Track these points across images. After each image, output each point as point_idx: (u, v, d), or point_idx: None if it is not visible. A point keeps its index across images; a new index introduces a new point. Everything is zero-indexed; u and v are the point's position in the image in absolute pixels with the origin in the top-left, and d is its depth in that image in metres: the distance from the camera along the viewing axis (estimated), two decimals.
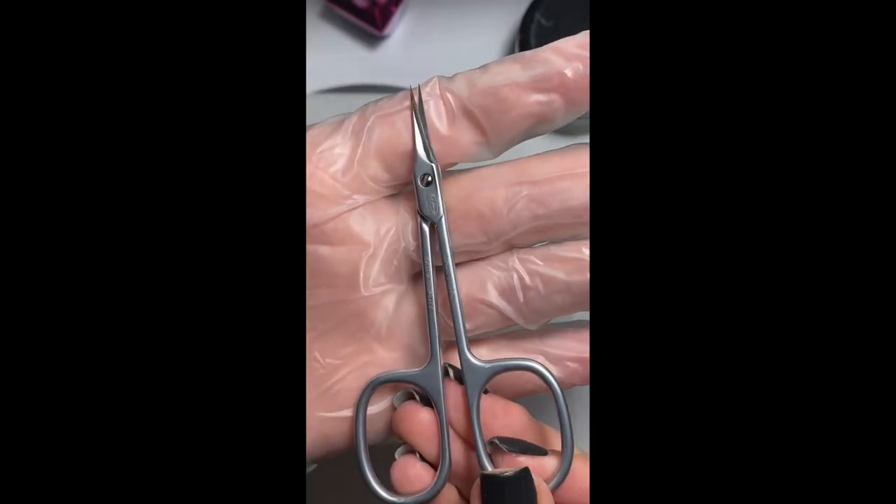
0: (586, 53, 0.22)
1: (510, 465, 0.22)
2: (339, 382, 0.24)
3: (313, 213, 0.23)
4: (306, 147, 0.23)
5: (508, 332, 0.25)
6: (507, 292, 0.23)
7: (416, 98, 0.23)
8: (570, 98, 0.22)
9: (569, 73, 0.21)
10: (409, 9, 0.45)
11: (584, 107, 0.22)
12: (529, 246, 0.24)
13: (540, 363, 0.23)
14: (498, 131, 0.22)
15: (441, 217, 0.23)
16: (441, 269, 0.24)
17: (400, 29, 0.45)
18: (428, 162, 0.23)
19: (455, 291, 0.23)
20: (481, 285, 0.24)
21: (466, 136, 0.23)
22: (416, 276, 0.25)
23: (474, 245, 0.23)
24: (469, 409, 0.23)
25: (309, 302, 0.24)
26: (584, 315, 0.25)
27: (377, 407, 0.24)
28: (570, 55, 0.22)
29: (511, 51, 0.42)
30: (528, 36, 0.40)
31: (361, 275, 0.23)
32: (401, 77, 0.44)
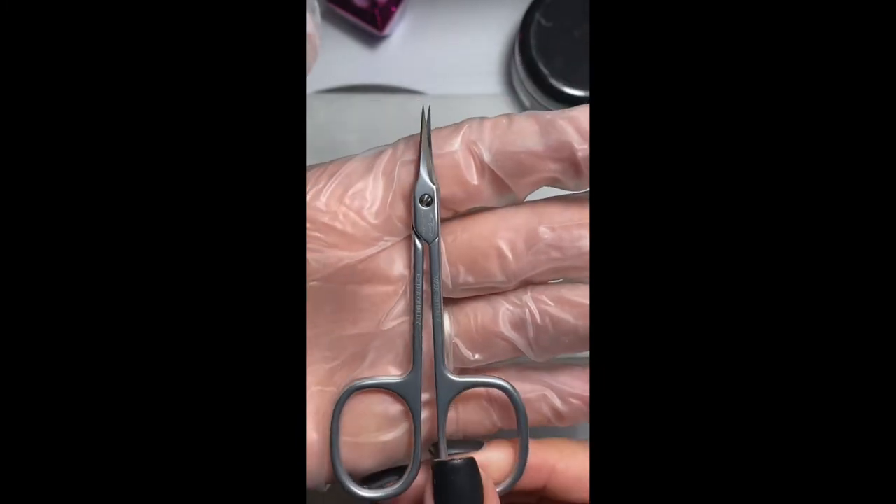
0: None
1: None
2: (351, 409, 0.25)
3: (346, 254, 0.24)
4: (337, 187, 0.24)
5: (520, 362, 0.26)
6: (518, 326, 0.25)
7: (425, 116, 0.24)
8: (581, 173, 0.23)
9: (580, 152, 0.23)
10: (409, 9, 0.45)
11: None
12: (545, 283, 0.25)
13: (505, 381, 0.25)
14: (518, 189, 0.24)
15: (437, 239, 0.24)
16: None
17: (400, 29, 0.45)
18: (430, 184, 0.24)
19: (440, 311, 0.24)
20: (495, 318, 0.25)
21: (491, 188, 0.24)
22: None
23: (493, 283, 0.25)
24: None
25: (332, 335, 0.25)
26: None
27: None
28: (584, 133, 0.22)
29: (511, 51, 0.42)
30: (528, 36, 0.40)
31: (386, 310, 0.24)
32: (401, 77, 0.44)
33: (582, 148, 0.22)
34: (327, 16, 0.45)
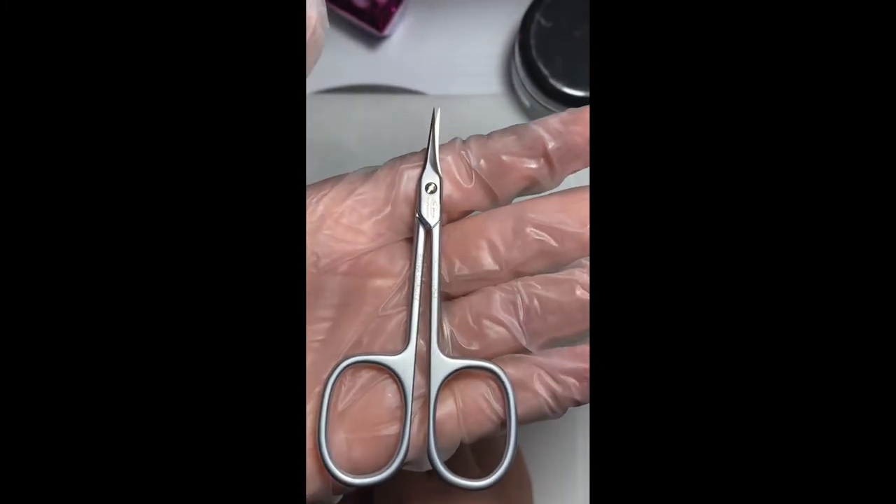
0: (567, 129, 0.26)
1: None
2: (352, 405, 0.26)
3: (350, 247, 0.26)
4: (341, 190, 0.26)
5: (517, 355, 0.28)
6: (509, 310, 0.27)
7: (436, 117, 0.27)
8: (553, 166, 0.26)
9: (550, 145, 0.26)
10: (409, 9, 0.45)
11: (564, 174, 0.27)
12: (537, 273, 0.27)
13: (498, 366, 0.26)
14: (501, 191, 0.27)
15: (437, 223, 0.26)
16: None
17: (400, 29, 0.45)
18: (435, 174, 0.26)
19: (436, 290, 0.26)
20: (489, 304, 0.27)
21: (479, 192, 0.27)
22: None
23: (486, 273, 0.27)
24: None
25: (338, 330, 0.26)
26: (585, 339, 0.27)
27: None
28: (554, 131, 0.26)
29: (511, 51, 0.42)
30: (528, 36, 0.40)
31: (385, 302, 0.27)
32: (401, 77, 0.44)
33: (552, 143, 0.26)
34: (327, 16, 0.45)
